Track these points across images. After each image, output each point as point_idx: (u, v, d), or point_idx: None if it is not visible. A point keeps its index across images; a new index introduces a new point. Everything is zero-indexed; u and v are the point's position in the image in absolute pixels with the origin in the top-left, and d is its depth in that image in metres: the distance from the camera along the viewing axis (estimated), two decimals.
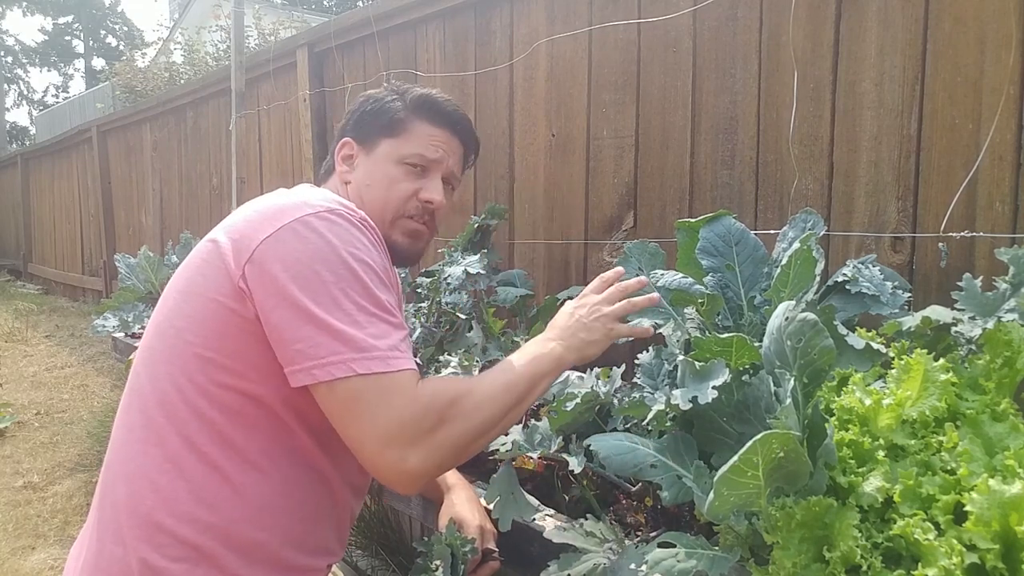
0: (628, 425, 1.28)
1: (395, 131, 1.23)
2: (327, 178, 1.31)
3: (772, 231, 1.51)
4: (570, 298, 1.14)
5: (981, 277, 1.10)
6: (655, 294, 1.15)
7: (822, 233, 1.26)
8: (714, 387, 0.91)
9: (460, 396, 0.98)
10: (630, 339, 1.20)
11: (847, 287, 1.21)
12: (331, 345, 0.93)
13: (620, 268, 1.20)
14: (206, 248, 1.05)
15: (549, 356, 1.08)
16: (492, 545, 1.21)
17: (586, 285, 1.19)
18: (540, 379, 1.06)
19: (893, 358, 0.91)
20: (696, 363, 1.00)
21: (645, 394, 1.13)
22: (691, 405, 0.93)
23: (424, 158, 1.23)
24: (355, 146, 1.26)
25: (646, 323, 1.20)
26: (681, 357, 1.04)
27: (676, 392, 0.96)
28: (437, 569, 1.13)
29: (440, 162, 1.24)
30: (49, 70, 31.79)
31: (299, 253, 0.96)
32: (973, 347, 1.01)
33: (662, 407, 0.98)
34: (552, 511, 1.26)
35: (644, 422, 1.12)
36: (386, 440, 0.92)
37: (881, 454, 0.82)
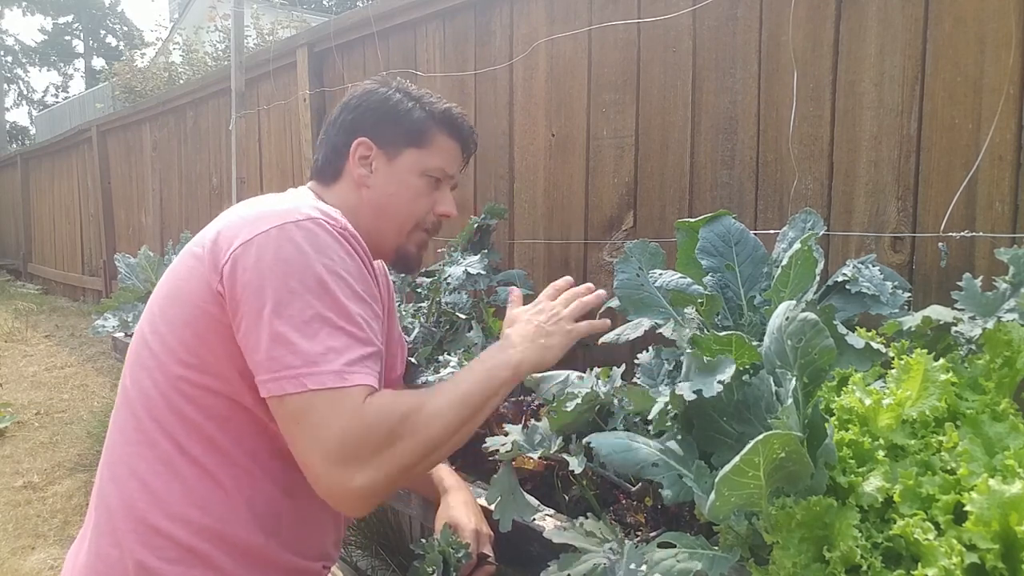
0: (628, 425, 1.28)
1: (421, 142, 1.21)
2: (335, 179, 1.23)
3: (772, 231, 1.51)
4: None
5: (981, 277, 1.10)
6: (602, 291, 1.18)
7: (822, 233, 1.26)
8: (720, 381, 0.91)
9: (410, 412, 0.94)
10: (617, 341, 1.20)
11: (847, 287, 1.21)
12: (286, 358, 0.90)
13: (569, 278, 1.22)
14: (191, 252, 1.05)
15: (507, 364, 1.06)
16: (488, 549, 1.20)
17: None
18: (497, 389, 1.04)
19: (893, 358, 0.91)
20: (704, 357, 0.99)
21: None
22: (695, 396, 0.93)
23: (445, 172, 1.24)
24: (373, 148, 1.20)
25: (644, 328, 1.20)
26: (689, 350, 1.04)
27: (681, 384, 0.96)
28: (432, 573, 1.12)
29: (454, 177, 1.28)
30: (49, 70, 31.81)
31: (269, 261, 0.94)
32: (973, 347, 1.01)
33: (667, 399, 0.98)
34: (552, 511, 1.26)
35: (647, 419, 1.12)
36: (330, 458, 0.89)
37: (881, 454, 0.82)
